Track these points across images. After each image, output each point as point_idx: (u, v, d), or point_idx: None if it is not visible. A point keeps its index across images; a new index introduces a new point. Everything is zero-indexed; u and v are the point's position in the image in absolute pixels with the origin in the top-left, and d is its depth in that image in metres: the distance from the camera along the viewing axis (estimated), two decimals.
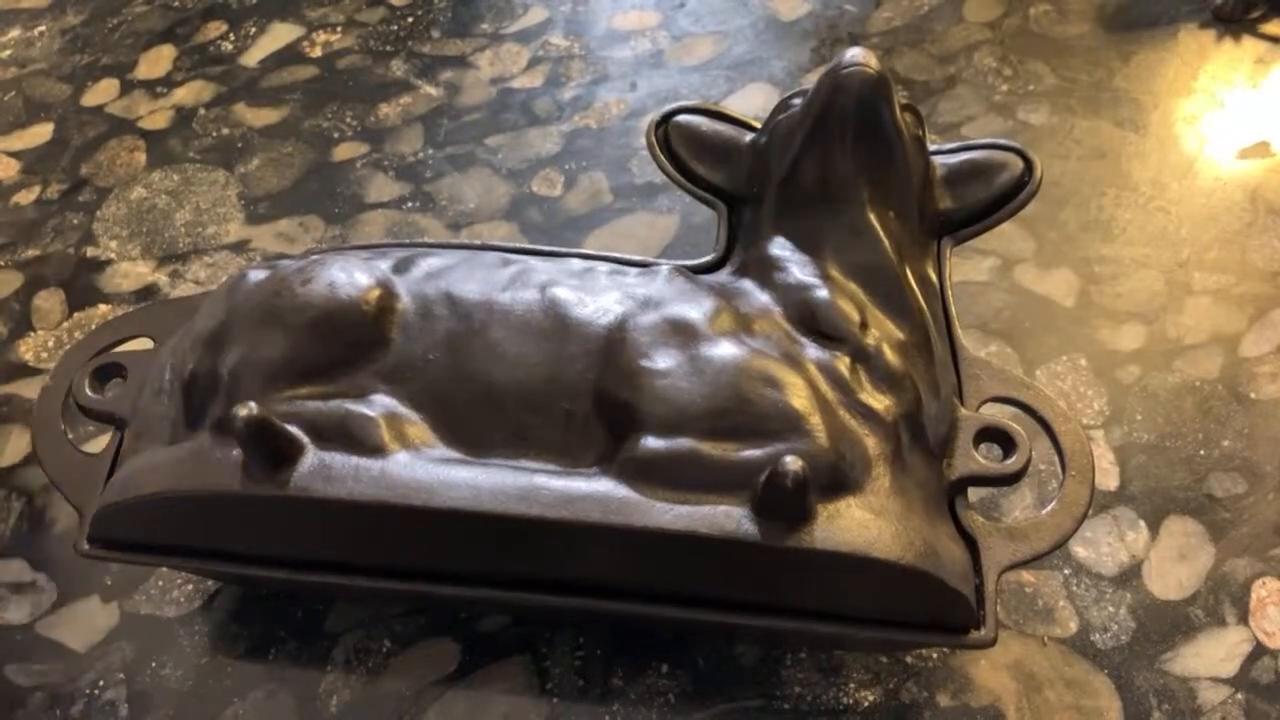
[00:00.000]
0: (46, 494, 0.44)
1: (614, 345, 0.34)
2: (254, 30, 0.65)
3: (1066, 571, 0.40)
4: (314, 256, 0.37)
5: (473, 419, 0.33)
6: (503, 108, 0.60)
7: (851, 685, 0.38)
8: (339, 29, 0.65)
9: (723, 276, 0.37)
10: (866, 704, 0.37)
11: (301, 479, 0.31)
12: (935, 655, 0.38)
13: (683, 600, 0.33)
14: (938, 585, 0.31)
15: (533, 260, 0.38)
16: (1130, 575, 0.41)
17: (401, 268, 0.36)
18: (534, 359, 0.34)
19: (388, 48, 0.64)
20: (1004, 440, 0.35)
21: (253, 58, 0.64)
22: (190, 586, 0.41)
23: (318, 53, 0.64)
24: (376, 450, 0.32)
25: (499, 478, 0.32)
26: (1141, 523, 0.42)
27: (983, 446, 0.35)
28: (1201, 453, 0.44)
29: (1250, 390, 0.46)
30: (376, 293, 0.34)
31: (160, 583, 0.41)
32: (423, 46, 0.64)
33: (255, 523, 0.27)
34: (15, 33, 0.67)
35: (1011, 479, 0.34)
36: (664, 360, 0.33)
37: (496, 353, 0.34)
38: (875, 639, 0.36)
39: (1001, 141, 0.40)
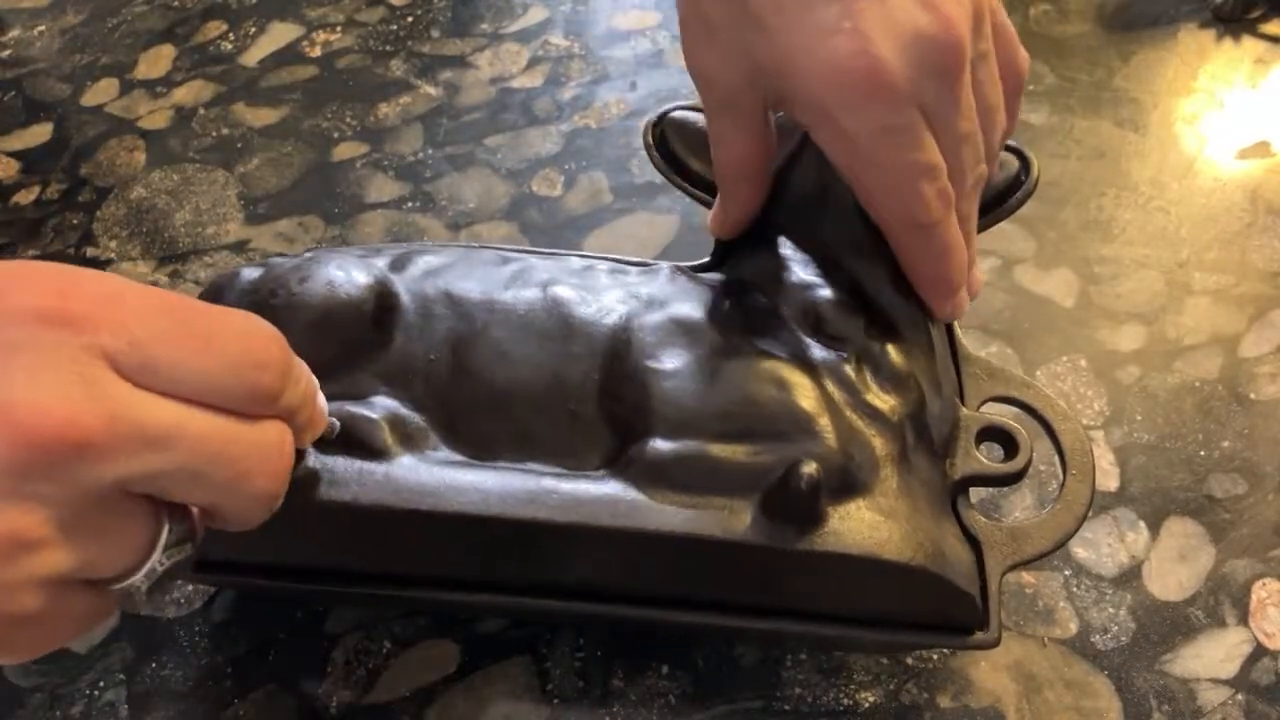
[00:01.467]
0: None
1: (619, 345, 0.33)
2: (254, 30, 0.65)
3: (1067, 572, 0.40)
4: (307, 255, 0.36)
5: (476, 420, 0.33)
6: (502, 108, 0.60)
7: (852, 686, 0.38)
8: (339, 29, 0.65)
9: (723, 276, 0.37)
10: (867, 705, 0.37)
11: (302, 484, 0.30)
12: (935, 656, 0.38)
13: (690, 602, 0.33)
14: (946, 586, 0.31)
15: (532, 259, 0.37)
16: (1130, 576, 0.41)
17: (398, 266, 0.36)
18: (538, 359, 0.33)
19: (387, 47, 0.64)
20: (1005, 440, 0.35)
21: (252, 58, 0.64)
22: (190, 587, 0.41)
23: (317, 52, 0.64)
24: (379, 453, 0.31)
25: (506, 480, 0.31)
26: (1141, 523, 0.42)
27: (984, 446, 0.35)
28: (1201, 453, 0.44)
29: (1250, 391, 0.46)
30: (376, 291, 0.34)
31: None
32: (422, 46, 0.64)
33: (254, 529, 0.27)
34: (15, 33, 0.67)
35: (1013, 478, 0.34)
36: (670, 361, 0.32)
37: (499, 352, 0.33)
38: (883, 642, 0.36)
39: None
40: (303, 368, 0.26)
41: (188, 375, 0.22)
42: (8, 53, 0.65)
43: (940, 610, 0.32)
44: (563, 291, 0.35)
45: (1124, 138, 0.56)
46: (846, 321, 0.34)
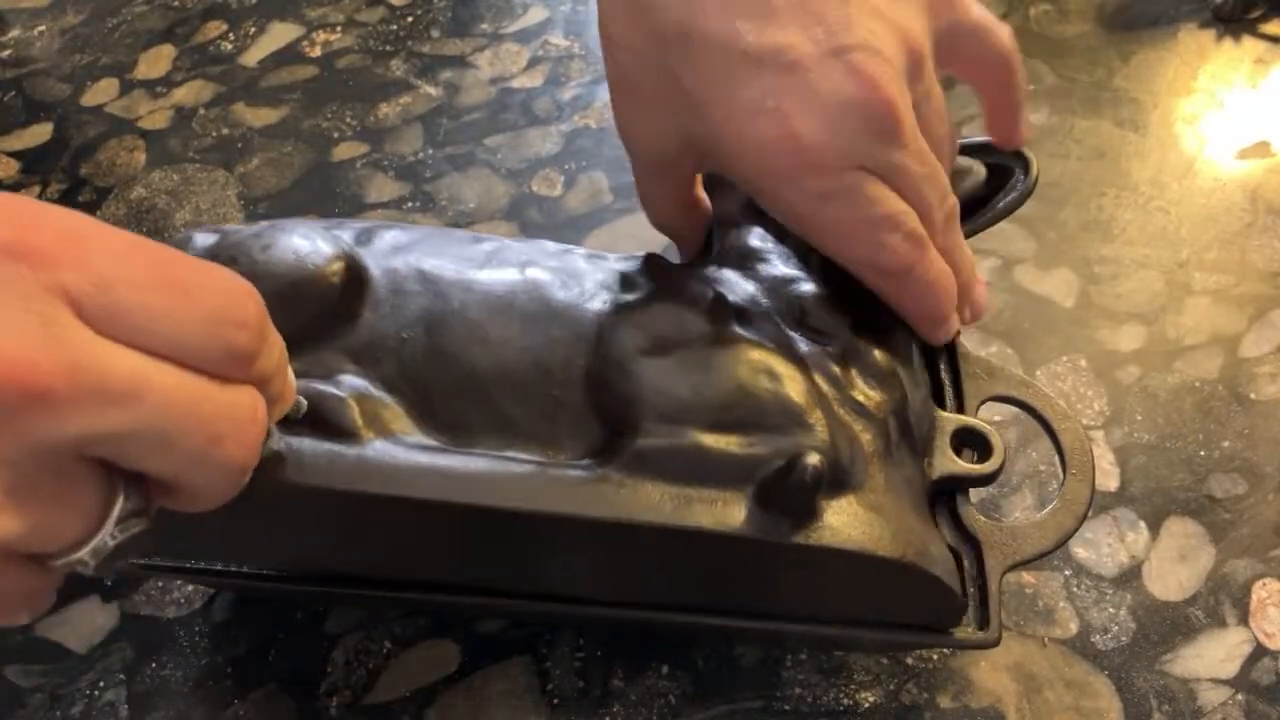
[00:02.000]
0: None
1: (604, 331, 0.32)
2: (254, 30, 0.65)
3: (1067, 573, 0.40)
4: (264, 224, 0.34)
5: (452, 404, 0.31)
6: (502, 108, 0.60)
7: (852, 686, 0.38)
8: (339, 29, 0.65)
9: (702, 266, 0.36)
10: (867, 705, 0.37)
11: (267, 466, 0.27)
12: (935, 656, 0.38)
13: (680, 597, 0.33)
14: (934, 583, 0.31)
15: (505, 239, 0.36)
16: (1130, 576, 0.41)
17: (364, 240, 0.34)
18: (519, 343, 0.32)
19: (387, 48, 0.64)
20: (980, 442, 0.34)
21: (252, 58, 0.64)
22: (190, 587, 0.41)
23: (317, 53, 0.64)
24: (349, 435, 0.29)
25: (490, 468, 0.30)
26: (1142, 524, 0.42)
27: (964, 449, 0.35)
28: (1201, 453, 0.44)
29: (1250, 391, 0.46)
30: (342, 263, 0.32)
31: (160, 583, 0.41)
32: (422, 46, 0.64)
33: (217, 517, 0.24)
34: (15, 33, 0.67)
35: (987, 480, 0.34)
36: (660, 349, 0.31)
37: (477, 334, 0.31)
38: (884, 642, 0.36)
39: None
40: (277, 335, 0.24)
41: (158, 326, 0.20)
42: (8, 53, 0.65)
43: (926, 607, 0.32)
44: (542, 274, 0.33)
45: (1124, 138, 0.56)
46: (831, 316, 0.33)
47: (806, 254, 0.35)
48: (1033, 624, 0.39)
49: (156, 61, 0.64)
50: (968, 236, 0.39)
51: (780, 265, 0.35)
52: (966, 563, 0.33)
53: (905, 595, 0.32)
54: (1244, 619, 0.39)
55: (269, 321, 0.23)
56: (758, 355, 0.31)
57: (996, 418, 0.45)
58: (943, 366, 0.37)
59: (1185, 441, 0.44)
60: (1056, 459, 0.36)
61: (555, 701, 0.38)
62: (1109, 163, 0.55)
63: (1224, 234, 0.51)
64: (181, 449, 0.21)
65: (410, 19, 0.66)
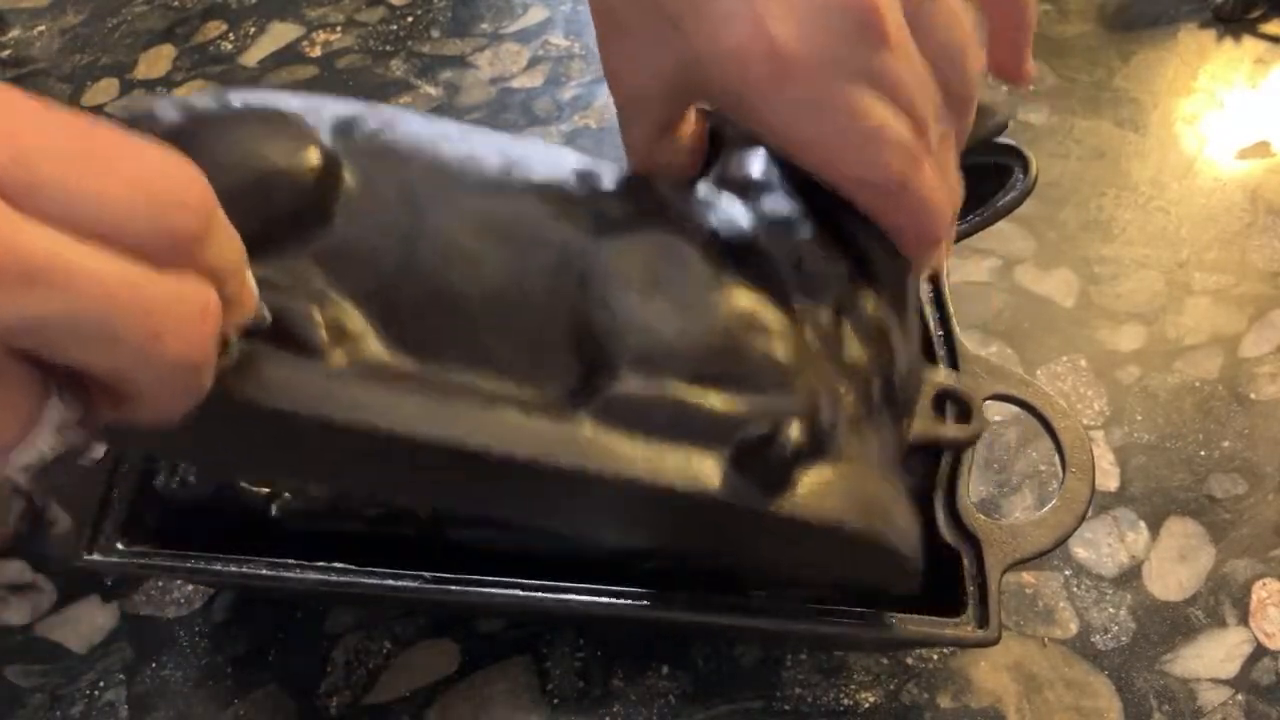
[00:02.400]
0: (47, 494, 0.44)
1: (591, 261, 0.30)
2: (254, 30, 0.65)
3: (1067, 573, 0.40)
4: (234, 101, 0.30)
5: (425, 325, 0.29)
6: (503, 108, 0.60)
7: (852, 686, 0.38)
8: (339, 29, 0.65)
9: (701, 190, 0.34)
10: (867, 705, 0.37)
11: (225, 379, 0.25)
12: (936, 656, 0.38)
13: (635, 542, 0.31)
14: (896, 557, 0.30)
15: (493, 134, 0.33)
16: (1130, 576, 0.41)
17: (343, 130, 0.31)
18: (498, 263, 0.29)
19: (387, 47, 0.64)
20: (961, 404, 0.34)
21: (252, 57, 0.64)
22: (190, 587, 0.41)
23: (317, 52, 0.64)
24: (314, 352, 0.27)
25: (463, 405, 0.28)
26: (1142, 524, 0.42)
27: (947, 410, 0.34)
28: (1202, 453, 0.44)
29: (1250, 391, 0.46)
30: (318, 160, 0.29)
31: (160, 583, 0.41)
32: (422, 46, 0.64)
33: (185, 431, 0.22)
34: (15, 33, 0.67)
35: (964, 444, 0.34)
36: (649, 285, 0.29)
37: (456, 251, 0.29)
38: (883, 640, 0.36)
39: (998, 140, 0.40)
40: (231, 229, 0.22)
41: (86, 204, 0.18)
42: (8, 53, 0.65)
43: (885, 580, 0.31)
44: (531, 190, 0.31)
45: (1124, 138, 0.56)
46: (828, 264, 0.32)
47: (808, 190, 0.33)
48: (1033, 624, 0.39)
49: (156, 61, 0.64)
50: (967, 236, 0.39)
51: (782, 201, 0.33)
52: (966, 561, 0.33)
53: (868, 567, 0.31)
54: (1244, 619, 0.39)
55: (217, 207, 0.21)
56: (749, 304, 0.30)
57: (997, 417, 0.45)
58: (943, 366, 0.37)
59: (1185, 441, 0.44)
60: (1056, 458, 0.36)
61: (555, 701, 0.38)
62: (1109, 163, 0.55)
63: (1224, 234, 0.51)
64: (118, 341, 0.18)
65: (410, 19, 0.66)
